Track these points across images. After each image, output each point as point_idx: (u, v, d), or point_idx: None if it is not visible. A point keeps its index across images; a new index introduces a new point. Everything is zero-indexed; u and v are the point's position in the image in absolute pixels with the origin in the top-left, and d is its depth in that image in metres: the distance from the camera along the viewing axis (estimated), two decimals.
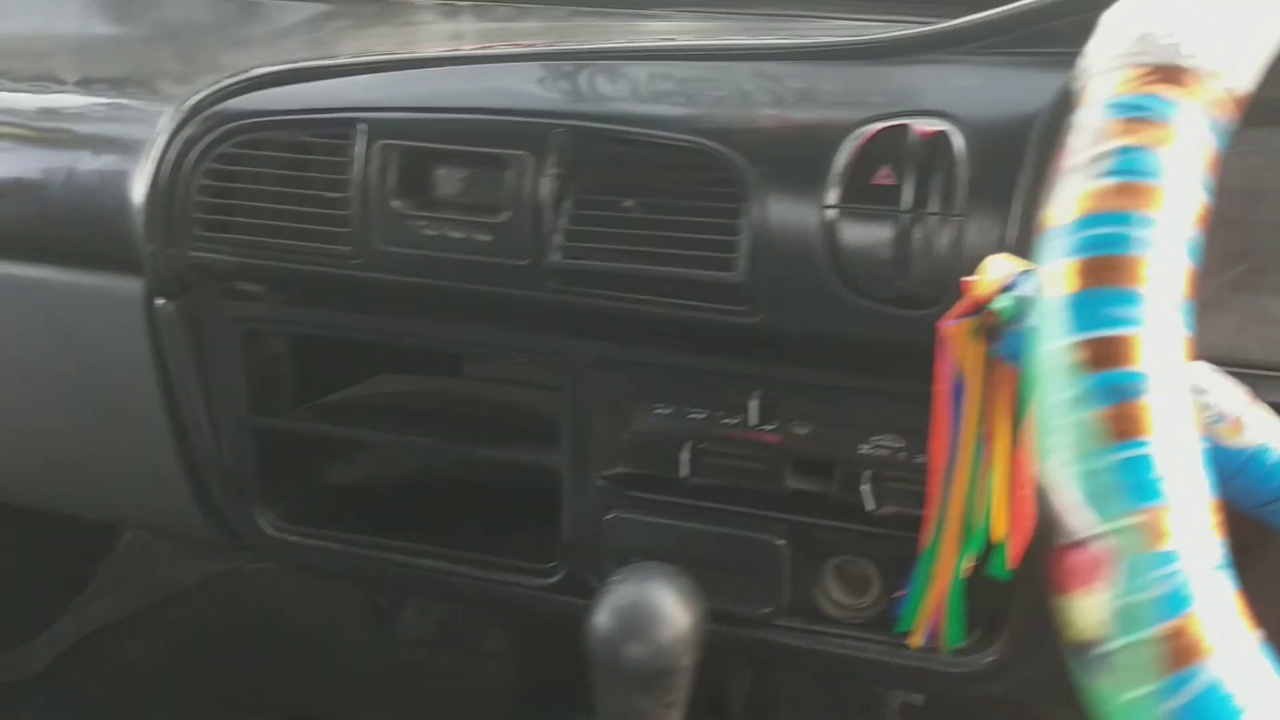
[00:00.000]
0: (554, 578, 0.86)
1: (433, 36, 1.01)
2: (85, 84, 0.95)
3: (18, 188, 0.90)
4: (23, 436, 0.99)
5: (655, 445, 0.81)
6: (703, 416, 0.80)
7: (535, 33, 0.98)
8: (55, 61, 0.99)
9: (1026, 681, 0.82)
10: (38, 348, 0.93)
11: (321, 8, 1.05)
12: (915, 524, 0.76)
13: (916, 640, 0.61)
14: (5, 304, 0.93)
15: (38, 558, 1.65)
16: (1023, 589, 0.69)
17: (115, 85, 0.95)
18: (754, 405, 0.76)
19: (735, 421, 0.79)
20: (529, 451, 0.85)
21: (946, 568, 0.55)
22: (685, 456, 0.79)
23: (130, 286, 0.87)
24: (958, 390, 0.50)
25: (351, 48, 0.94)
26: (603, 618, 0.64)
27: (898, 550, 0.78)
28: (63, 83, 0.96)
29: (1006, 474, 0.51)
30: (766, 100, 0.70)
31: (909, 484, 0.77)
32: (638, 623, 0.62)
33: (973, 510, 0.52)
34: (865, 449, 0.77)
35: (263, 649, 1.69)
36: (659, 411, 0.81)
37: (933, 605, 0.57)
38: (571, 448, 0.82)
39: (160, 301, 0.85)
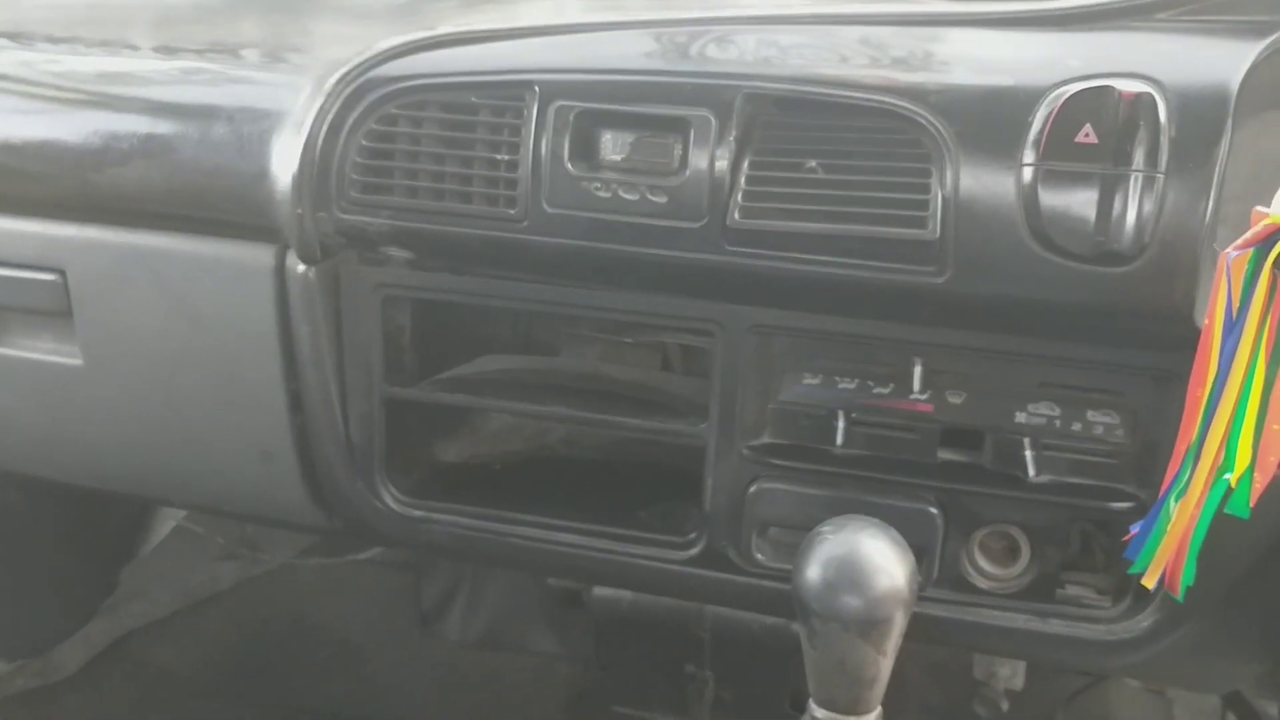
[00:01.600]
0: (693, 550, 0.85)
1: (543, 14, 1.00)
2: (206, 51, 0.94)
3: (144, 153, 0.88)
4: (128, 415, 0.96)
5: (804, 415, 0.81)
6: (852, 386, 0.80)
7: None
8: (168, 29, 0.98)
9: (1162, 654, 0.83)
10: (152, 319, 0.91)
11: None
12: (1070, 491, 0.78)
13: (1150, 581, 0.61)
14: (122, 274, 0.90)
15: (66, 560, 1.61)
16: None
17: (235, 52, 0.94)
18: (917, 372, 0.77)
19: (886, 391, 0.80)
20: (674, 421, 0.84)
21: (1193, 507, 0.56)
22: (841, 425, 0.79)
23: (259, 254, 0.86)
24: (1228, 325, 0.51)
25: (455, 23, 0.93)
26: (817, 567, 0.63)
27: (1051, 518, 0.79)
28: (184, 50, 0.94)
29: (1266, 410, 0.52)
30: (959, 63, 0.71)
31: (1064, 452, 0.78)
32: (854, 573, 0.62)
33: (1234, 448, 0.52)
34: (1021, 417, 0.78)
35: (302, 653, 1.65)
36: (808, 381, 0.81)
37: (1172, 545, 0.57)
38: (719, 417, 0.81)
39: (301, 268, 0.83)
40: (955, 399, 0.78)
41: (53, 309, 0.93)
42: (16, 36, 0.99)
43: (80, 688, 1.57)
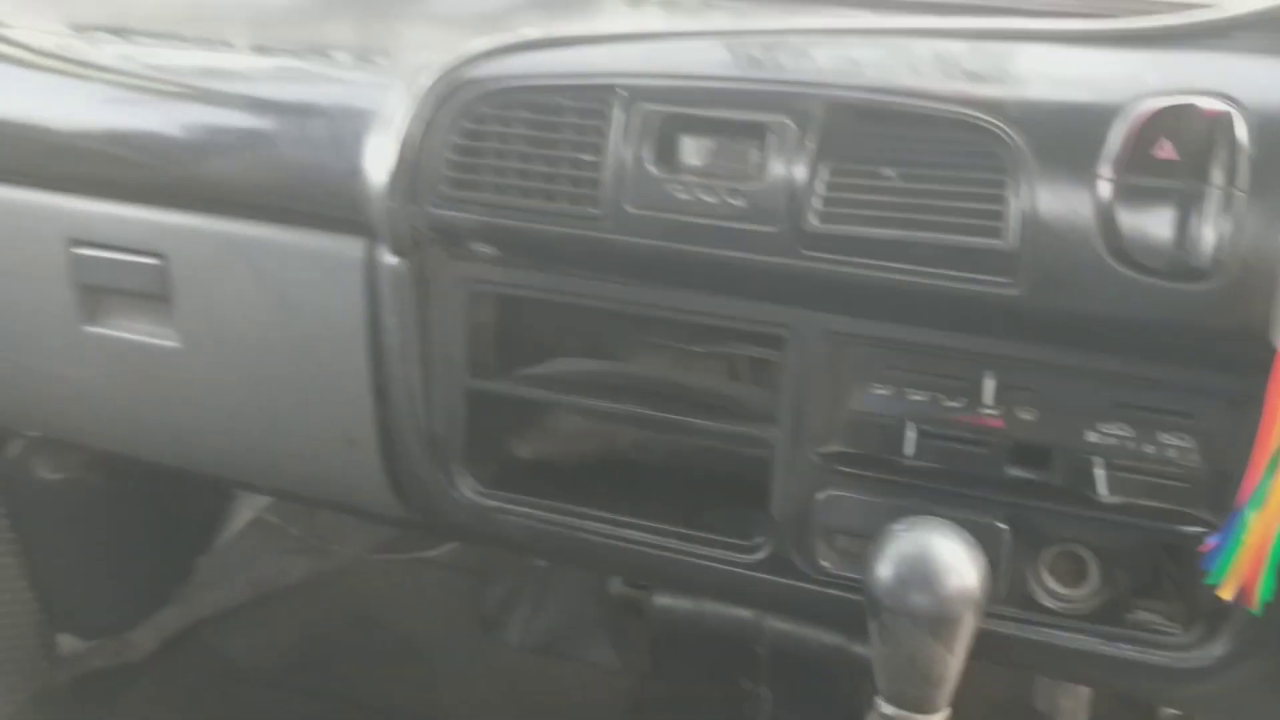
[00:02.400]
0: (758, 554, 0.86)
1: (627, 22, 1.02)
2: (302, 51, 0.98)
3: (245, 146, 0.93)
4: (219, 398, 1.00)
5: (875, 424, 0.81)
6: (923, 398, 0.81)
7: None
8: (264, 28, 1.03)
9: (1232, 687, 0.81)
10: (246, 305, 0.95)
11: None
12: (1141, 513, 0.77)
13: (1227, 593, 0.60)
14: (220, 261, 0.95)
15: (145, 547, 1.67)
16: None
17: (329, 53, 0.98)
18: (989, 385, 0.77)
19: (957, 404, 0.80)
20: (745, 424, 0.85)
21: (1272, 517, 0.55)
22: (911, 436, 0.79)
23: (350, 247, 0.90)
24: None
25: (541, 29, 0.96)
26: (889, 563, 0.64)
27: (1121, 540, 0.78)
28: (280, 49, 0.99)
29: None
30: (1037, 78, 0.71)
31: (1135, 473, 0.77)
32: (926, 571, 0.63)
33: None
34: (1092, 437, 0.77)
35: (365, 649, 1.68)
36: (879, 391, 0.81)
37: (1249, 557, 0.57)
38: (789, 422, 0.82)
39: (391, 261, 0.87)
40: (1026, 415, 0.78)
41: (152, 292, 0.98)
42: (120, 31, 1.04)
43: (151, 671, 1.62)
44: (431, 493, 0.94)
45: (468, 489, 0.92)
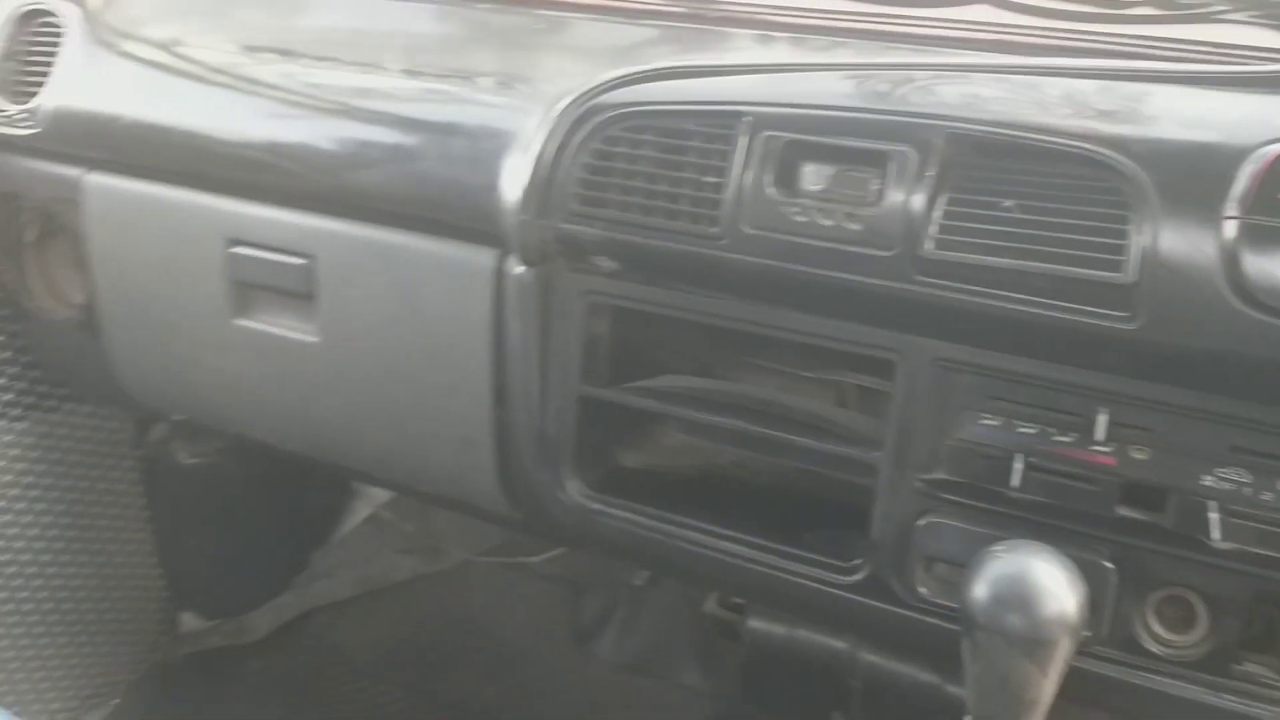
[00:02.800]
0: (856, 576, 0.87)
1: (755, 54, 1.05)
2: (449, 76, 1.05)
3: (393, 160, 1.00)
4: (352, 392, 1.07)
5: (981, 454, 0.81)
6: (1033, 431, 0.80)
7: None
8: (417, 55, 1.10)
9: None
10: (383, 306, 1.01)
11: (646, 32, 1.13)
12: (1256, 561, 0.75)
13: None
14: (362, 263, 1.02)
15: (268, 536, 1.76)
16: None
17: (474, 79, 1.05)
18: (1101, 421, 0.76)
19: (1068, 439, 0.79)
20: (849, 447, 0.87)
21: None
22: (1019, 468, 0.79)
23: (482, 257, 0.95)
24: None
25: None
26: (986, 583, 0.65)
27: (1233, 588, 0.76)
28: (429, 74, 1.06)
29: None
30: (1163, 117, 0.72)
31: (1252, 521, 0.75)
32: (1024, 592, 0.63)
33: None
34: (1208, 480, 0.76)
35: (463, 651, 1.74)
36: (987, 422, 0.82)
37: None
38: (894, 447, 0.84)
39: (518, 270, 0.92)
40: (1139, 454, 0.77)
41: (299, 290, 1.05)
42: (285, 52, 1.13)
43: (263, 653, 1.71)
44: (540, 493, 0.98)
45: (574, 491, 0.96)
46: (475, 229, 0.94)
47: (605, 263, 0.89)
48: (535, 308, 0.92)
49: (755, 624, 1.24)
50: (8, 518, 1.39)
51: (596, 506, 0.96)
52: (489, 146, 0.94)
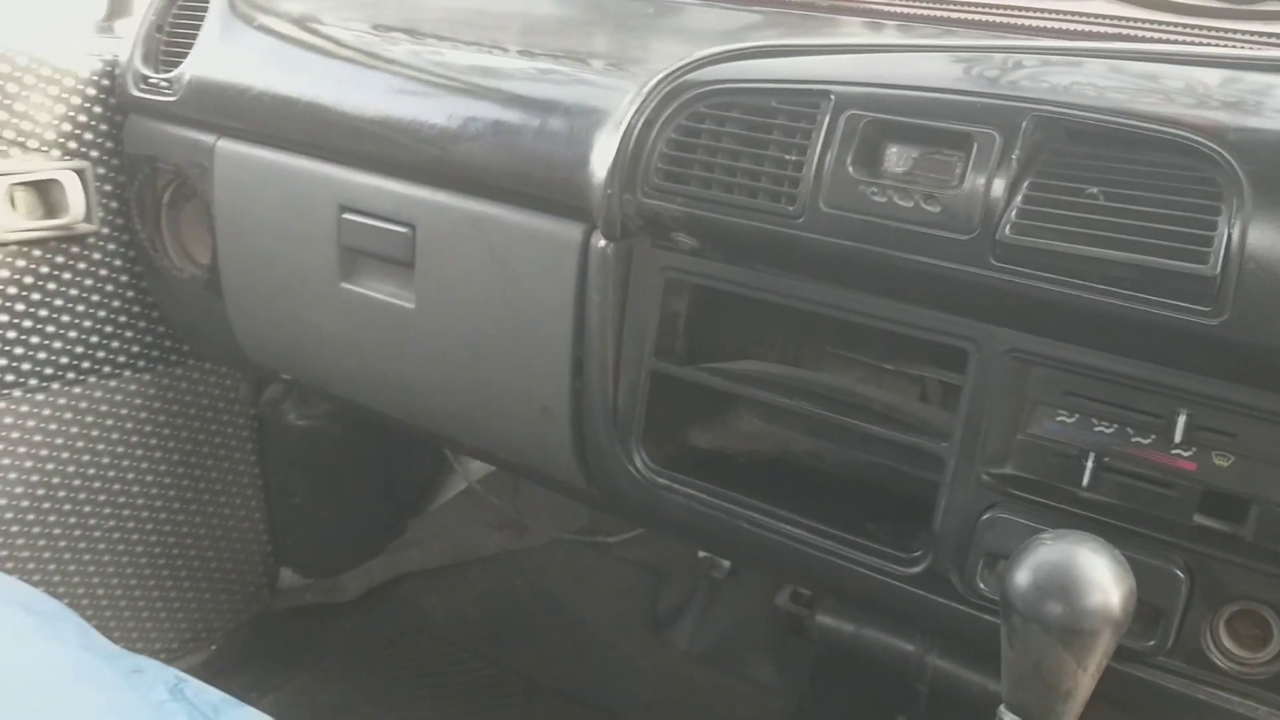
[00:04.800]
0: (916, 568, 0.86)
1: (844, 36, 1.05)
2: (559, 56, 1.08)
3: (495, 134, 1.03)
4: (443, 357, 1.11)
5: (1053, 451, 0.80)
6: (1109, 431, 0.78)
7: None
8: (532, 36, 1.14)
9: None
10: (475, 274, 1.05)
11: (753, 17, 1.14)
12: None
13: None
14: (460, 233, 1.06)
15: (367, 502, 1.83)
16: None
17: (583, 59, 1.08)
18: (1180, 422, 0.74)
19: (1146, 441, 0.77)
20: (917, 436, 0.86)
21: None
22: (1090, 466, 0.77)
23: (570, 230, 0.98)
24: None
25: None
26: (1028, 569, 0.64)
27: None
28: (541, 54, 1.10)
29: None
30: (1261, 106, 0.69)
31: None
32: (1065, 580, 0.62)
33: None
34: None
35: (543, 628, 1.77)
36: (1061, 418, 0.80)
37: None
38: (962, 439, 0.82)
39: (602, 244, 0.94)
40: (1222, 460, 0.74)
41: (399, 257, 1.11)
42: (406, 31, 1.19)
43: (354, 613, 1.78)
44: (610, 466, 1.00)
45: (642, 465, 0.97)
46: (565, 203, 0.97)
47: (685, 239, 0.91)
48: (615, 282, 0.94)
49: (823, 620, 1.23)
50: (128, 463, 1.49)
51: (663, 482, 0.97)
52: (584, 123, 0.97)
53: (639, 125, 0.90)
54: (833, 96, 0.81)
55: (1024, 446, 0.81)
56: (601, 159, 0.94)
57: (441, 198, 1.07)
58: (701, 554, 1.67)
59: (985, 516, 0.82)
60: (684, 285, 0.94)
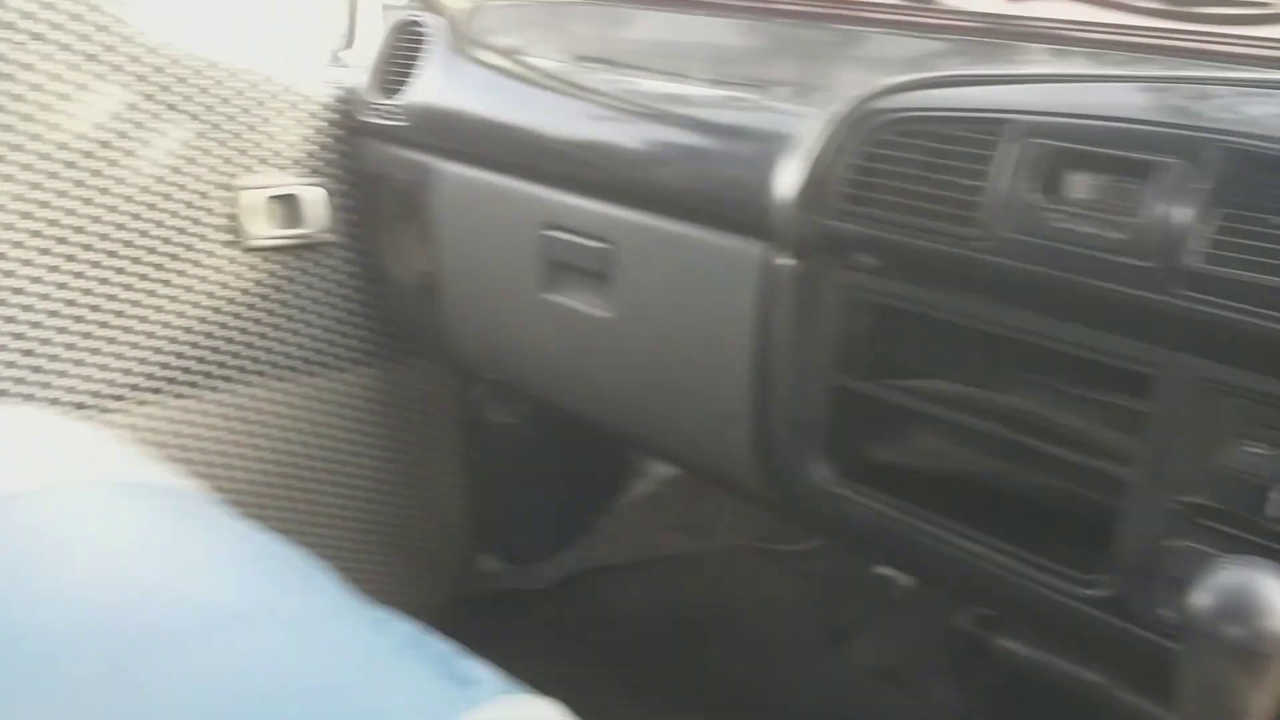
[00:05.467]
0: (1094, 591, 0.86)
1: (1027, 66, 1.05)
2: (745, 84, 1.14)
3: (685, 158, 1.10)
4: (636, 364, 1.19)
5: (1240, 481, 0.78)
6: None
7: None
8: (720, 65, 1.20)
9: None
10: (666, 288, 1.12)
11: (937, 45, 1.15)
12: None
13: None
14: (654, 250, 1.13)
15: (560, 495, 1.94)
16: None
17: (768, 87, 1.13)
18: None
19: None
20: (1102, 460, 0.86)
21: None
22: (1277, 497, 0.75)
23: (753, 249, 1.03)
24: None
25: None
26: (1209, 591, 0.64)
27: None
28: (728, 82, 1.15)
29: None
30: None
31: None
32: (1246, 602, 0.62)
33: None
34: None
35: (719, 633, 1.82)
36: (1252, 449, 0.78)
37: None
38: (1149, 466, 0.82)
39: (786, 263, 0.99)
40: None
41: (599, 271, 1.19)
42: (608, 62, 1.28)
43: (545, 601, 1.89)
44: (790, 475, 1.05)
45: (823, 476, 1.01)
46: (750, 223, 1.02)
47: (867, 259, 0.94)
48: (797, 299, 0.99)
49: (1004, 644, 1.22)
50: (349, 447, 1.66)
51: (843, 492, 1.01)
52: (771, 148, 1.01)
53: (824, 150, 0.94)
54: (1015, 124, 0.82)
55: (1210, 474, 0.79)
56: (787, 182, 0.98)
57: (637, 217, 1.15)
58: (879, 569, 1.68)
59: (1168, 542, 0.81)
60: (866, 304, 0.97)
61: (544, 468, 1.89)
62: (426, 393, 1.73)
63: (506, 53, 1.39)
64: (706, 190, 1.07)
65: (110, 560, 0.82)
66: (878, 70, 1.06)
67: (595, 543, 1.97)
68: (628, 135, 1.18)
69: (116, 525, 0.88)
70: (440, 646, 0.76)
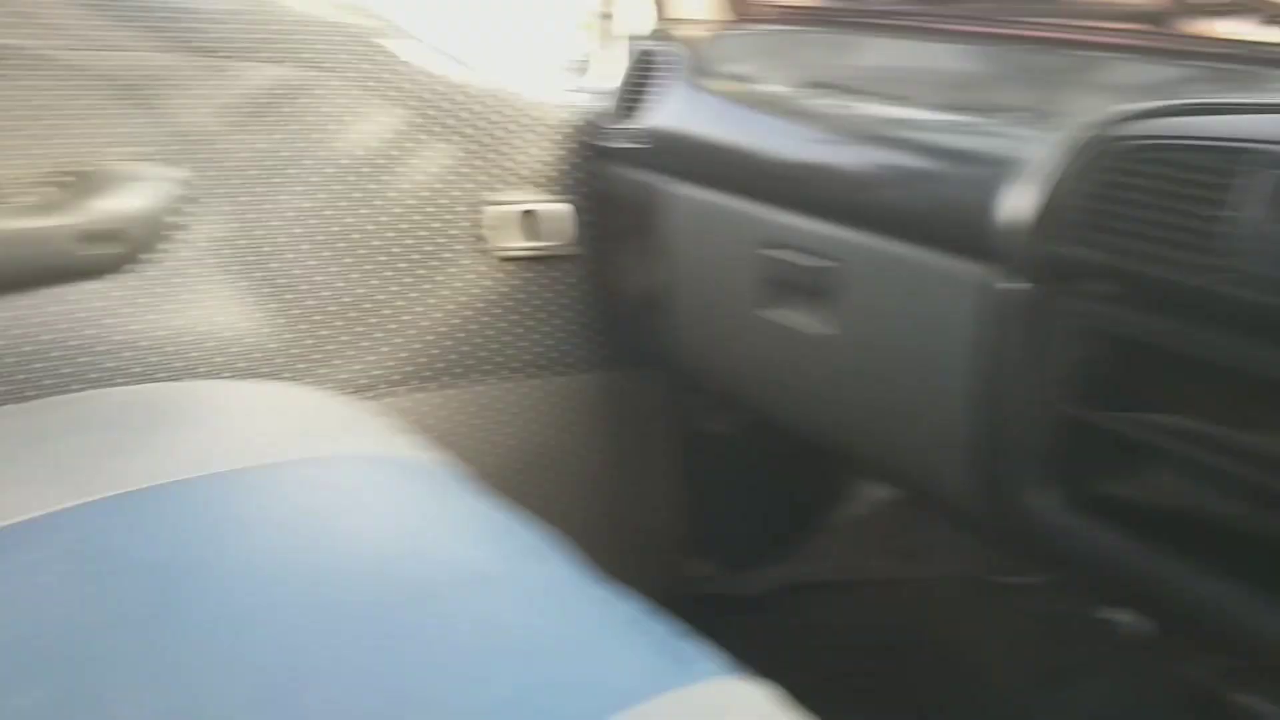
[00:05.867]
0: None
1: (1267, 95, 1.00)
2: (970, 109, 1.15)
3: (912, 180, 1.12)
4: (854, 382, 1.22)
5: None
6: None
7: None
8: (936, 89, 1.21)
9: None
10: (888, 308, 1.15)
11: (1177, 71, 1.11)
12: None
13: None
14: (876, 271, 1.16)
15: (773, 508, 1.98)
16: None
17: (995, 112, 1.13)
18: None
19: None
20: None
21: None
22: None
23: (980, 272, 1.03)
24: None
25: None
26: None
27: None
28: (953, 107, 1.17)
29: None
30: None
31: None
32: None
33: None
34: None
35: (927, 663, 1.79)
36: None
37: None
38: None
39: (1013, 287, 0.99)
40: None
41: (819, 289, 1.23)
42: (834, 88, 1.31)
43: (752, 610, 1.92)
44: (1012, 501, 1.04)
45: (1048, 504, 1.00)
46: (974, 245, 1.03)
47: (1101, 286, 0.93)
48: (1024, 323, 0.98)
49: (1248, 700, 1.16)
50: (575, 444, 1.77)
51: (1073, 523, 0.99)
52: (998, 171, 1.02)
53: (1062, 176, 0.95)
54: (1259, 154, 0.80)
55: None
56: (1018, 206, 0.99)
57: (859, 237, 1.18)
58: (1105, 610, 1.61)
59: None
60: (1100, 332, 0.96)
61: (757, 479, 1.94)
62: (649, 399, 1.82)
63: (740, 79, 1.46)
64: (931, 212, 1.09)
65: (377, 521, 0.95)
66: (1115, 96, 1.05)
67: (804, 558, 1.99)
68: (854, 158, 1.22)
69: (382, 491, 1.02)
70: (661, 626, 0.83)
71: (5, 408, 1.28)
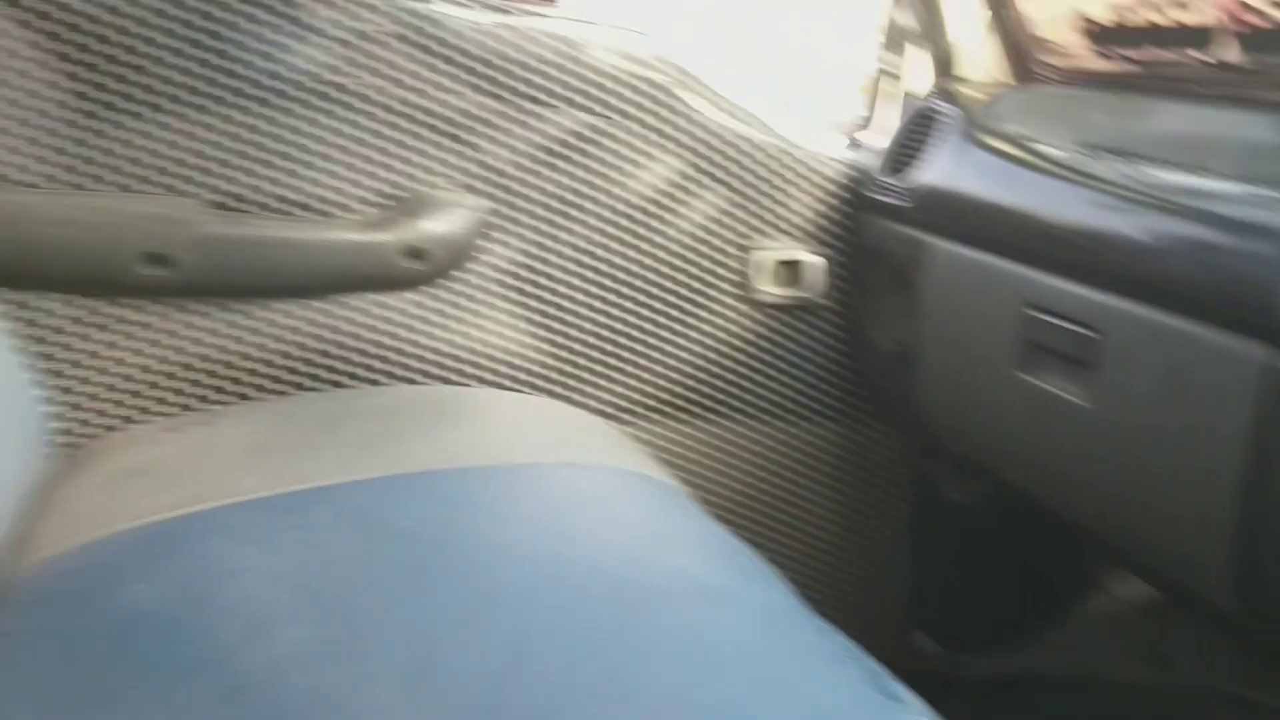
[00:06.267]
0: None
1: None
2: (1263, 180, 1.07)
3: (1193, 250, 1.07)
4: (1109, 460, 1.16)
5: None
6: None
7: None
8: (1233, 159, 1.14)
9: None
10: (1153, 382, 1.09)
11: None
12: None
13: None
14: (1143, 341, 1.10)
15: (1007, 588, 1.89)
16: None
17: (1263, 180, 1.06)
18: None
19: None
20: None
21: None
22: None
23: (1254, 351, 0.97)
24: None
25: None
26: None
27: None
28: (1254, 180, 1.09)
29: None
30: None
31: None
32: None
33: None
34: None
35: None
36: None
37: None
38: None
39: None
40: None
41: (1081, 357, 1.18)
42: (1116, 151, 1.26)
43: (975, 697, 1.82)
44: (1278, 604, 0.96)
45: None
46: (1258, 323, 0.97)
47: None
48: None
49: None
50: (808, 493, 1.78)
51: None
52: (1270, 245, 0.96)
53: None
54: None
55: None
56: None
57: (1128, 306, 1.13)
58: None
59: None
60: None
61: (995, 555, 1.85)
62: (888, 456, 1.80)
63: (1016, 139, 1.43)
64: (1215, 285, 1.03)
65: (616, 525, 1.02)
66: None
67: (1037, 647, 1.88)
68: (1130, 223, 1.16)
69: (624, 500, 1.09)
70: (873, 664, 0.83)
71: (323, 392, 1.48)
